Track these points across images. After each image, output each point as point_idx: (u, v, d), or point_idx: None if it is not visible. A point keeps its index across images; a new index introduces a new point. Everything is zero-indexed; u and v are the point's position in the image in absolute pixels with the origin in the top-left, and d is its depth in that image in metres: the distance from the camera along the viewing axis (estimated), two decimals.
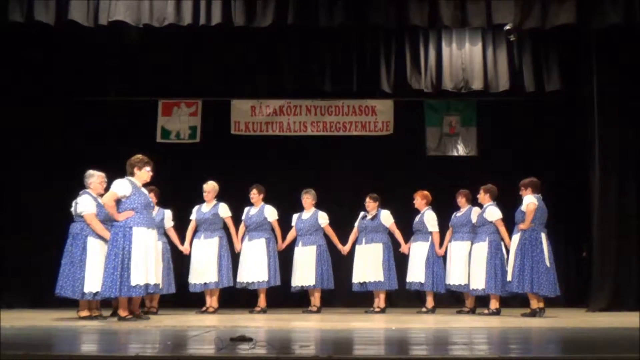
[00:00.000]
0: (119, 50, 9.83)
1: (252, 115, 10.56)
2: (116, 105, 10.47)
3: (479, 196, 8.69)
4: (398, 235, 9.20)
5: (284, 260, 9.18)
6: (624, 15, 8.30)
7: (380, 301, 9.03)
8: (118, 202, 7.07)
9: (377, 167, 10.71)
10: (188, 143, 10.42)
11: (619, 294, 9.03)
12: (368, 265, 9.01)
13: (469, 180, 9.37)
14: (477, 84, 9.60)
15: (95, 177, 7.54)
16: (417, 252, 9.07)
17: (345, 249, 9.23)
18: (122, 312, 7.07)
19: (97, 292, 7.18)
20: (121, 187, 7.10)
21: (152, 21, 8.48)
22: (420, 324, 7.08)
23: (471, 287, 8.61)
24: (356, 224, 9.26)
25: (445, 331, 6.14)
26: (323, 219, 9.12)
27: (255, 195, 9.01)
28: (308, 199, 9.17)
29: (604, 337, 5.63)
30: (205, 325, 6.62)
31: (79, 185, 7.64)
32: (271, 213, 8.95)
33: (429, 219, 9.06)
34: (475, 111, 10.56)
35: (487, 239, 8.45)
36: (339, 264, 9.39)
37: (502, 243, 8.46)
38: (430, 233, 9.05)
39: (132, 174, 7.21)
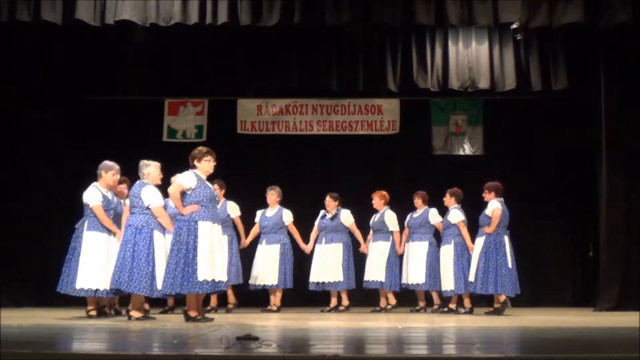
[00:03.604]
0: (125, 50, 9.85)
1: (258, 115, 10.57)
2: (122, 105, 10.50)
3: (445, 199, 8.88)
4: (358, 235, 9.19)
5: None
6: (633, 14, 8.27)
7: (336, 300, 9.01)
8: (183, 195, 6.73)
9: (384, 166, 10.72)
10: (194, 142, 10.40)
11: (626, 293, 9.01)
12: (327, 265, 8.96)
13: (475, 180, 9.34)
14: (483, 83, 9.58)
15: (152, 167, 7.12)
16: (377, 252, 9.10)
17: (307, 248, 9.15)
18: (193, 313, 6.72)
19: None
20: (187, 179, 6.76)
21: (159, 20, 8.49)
22: (421, 324, 7.06)
23: (443, 289, 8.79)
24: (316, 223, 9.21)
25: (446, 330, 6.13)
26: (287, 216, 8.97)
27: (216, 190, 8.78)
28: (272, 195, 8.98)
29: (607, 336, 5.61)
30: (211, 325, 6.61)
31: (84, 184, 7.61)
32: (234, 209, 8.72)
33: (390, 218, 9.14)
34: (481, 110, 10.55)
35: (453, 241, 8.69)
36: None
37: None
38: (391, 233, 9.10)
39: (195, 167, 6.86)
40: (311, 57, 9.93)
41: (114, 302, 7.89)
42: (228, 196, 8.93)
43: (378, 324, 6.97)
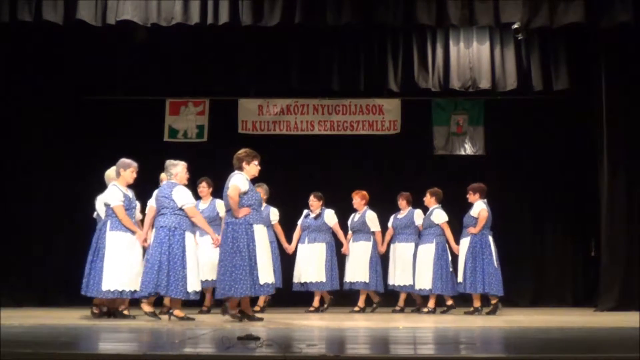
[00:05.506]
0: (126, 50, 9.86)
1: (259, 115, 10.57)
2: (124, 105, 10.50)
3: (425, 199, 8.94)
4: (341, 236, 9.13)
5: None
6: (633, 14, 8.26)
7: (317, 300, 8.96)
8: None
9: (385, 166, 10.72)
10: (195, 142, 10.43)
11: (627, 293, 8.99)
12: (310, 265, 8.91)
13: (476, 180, 9.34)
14: (484, 83, 9.58)
15: (180, 167, 7.06)
16: (359, 252, 9.04)
17: (290, 248, 9.07)
18: (233, 309, 6.79)
19: (197, 291, 6.84)
20: (243, 182, 6.78)
21: (160, 20, 8.50)
22: (421, 324, 7.06)
23: (417, 287, 8.80)
24: (299, 223, 9.16)
25: (446, 330, 6.14)
26: (274, 215, 8.88)
27: (204, 188, 8.54)
28: (259, 193, 8.96)
29: (608, 336, 5.61)
30: (211, 324, 6.62)
31: (86, 183, 7.61)
32: (222, 208, 8.33)
33: (371, 218, 9.11)
34: (482, 110, 10.56)
35: (434, 241, 8.74)
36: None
37: (448, 245, 8.77)
38: (373, 233, 9.08)
39: (241, 169, 6.88)
40: (312, 57, 9.93)
41: (114, 303, 7.76)
42: (216, 195, 8.88)
43: (378, 324, 6.96)
